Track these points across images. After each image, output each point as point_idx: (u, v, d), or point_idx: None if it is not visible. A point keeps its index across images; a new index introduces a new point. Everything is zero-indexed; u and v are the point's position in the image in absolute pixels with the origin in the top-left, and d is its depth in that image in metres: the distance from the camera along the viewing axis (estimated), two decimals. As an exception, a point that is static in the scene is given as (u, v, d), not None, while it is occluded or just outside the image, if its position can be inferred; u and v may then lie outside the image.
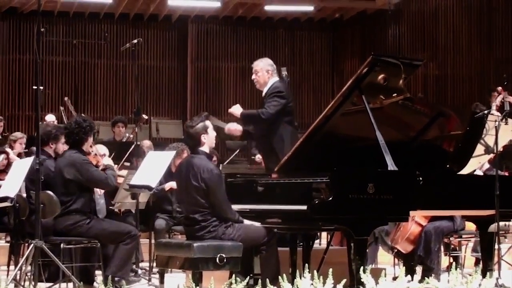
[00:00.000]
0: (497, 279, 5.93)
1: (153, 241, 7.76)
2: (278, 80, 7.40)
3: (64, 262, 6.50)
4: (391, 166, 5.86)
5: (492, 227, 6.54)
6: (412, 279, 5.29)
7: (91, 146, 7.15)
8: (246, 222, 6.21)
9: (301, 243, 6.73)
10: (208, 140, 6.32)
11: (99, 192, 7.43)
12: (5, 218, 7.87)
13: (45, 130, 7.38)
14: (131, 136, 11.23)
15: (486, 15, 15.42)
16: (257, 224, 6.23)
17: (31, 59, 15.48)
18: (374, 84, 6.17)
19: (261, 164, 9.41)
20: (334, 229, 6.70)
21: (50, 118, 12.33)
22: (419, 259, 7.51)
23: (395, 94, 6.35)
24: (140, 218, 7.78)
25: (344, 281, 5.14)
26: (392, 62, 6.20)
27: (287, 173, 6.45)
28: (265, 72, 7.38)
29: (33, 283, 6.05)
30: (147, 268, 7.82)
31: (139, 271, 7.90)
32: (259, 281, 5.45)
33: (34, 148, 7.11)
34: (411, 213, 5.96)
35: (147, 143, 10.41)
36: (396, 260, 8.10)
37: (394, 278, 6.64)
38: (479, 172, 7.91)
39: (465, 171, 6.40)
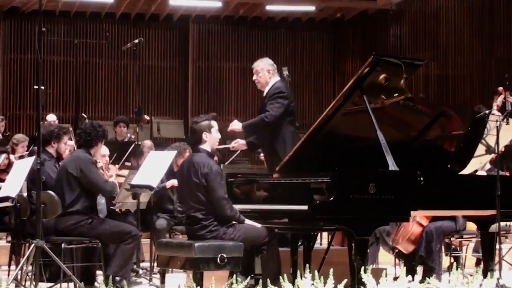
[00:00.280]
0: (498, 279, 5.92)
1: (153, 241, 7.76)
2: (279, 80, 7.38)
3: (65, 262, 6.49)
4: (392, 166, 5.86)
5: (493, 227, 6.54)
6: (413, 279, 5.29)
7: (99, 162, 7.16)
8: (247, 221, 6.21)
9: (302, 243, 6.73)
10: (210, 139, 6.32)
11: None
12: (6, 218, 7.87)
13: (47, 130, 7.39)
14: (133, 136, 11.23)
15: (487, 15, 15.42)
16: (258, 224, 6.23)
17: (33, 59, 15.48)
18: (375, 84, 6.17)
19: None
20: (335, 229, 6.70)
21: (51, 117, 12.32)
22: (420, 259, 7.50)
23: (396, 94, 6.35)
24: (141, 218, 7.78)
25: (345, 281, 5.14)
26: (394, 62, 6.20)
27: (288, 173, 6.44)
28: (266, 72, 7.36)
29: (34, 283, 6.05)
30: (148, 268, 7.82)
31: (140, 271, 7.90)
32: (260, 281, 5.45)
33: (36, 148, 7.11)
34: (412, 213, 5.96)
35: (148, 143, 10.40)
36: (397, 260, 8.09)
37: (395, 278, 6.63)
38: (482, 173, 7.91)
39: (466, 171, 6.40)
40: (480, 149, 6.51)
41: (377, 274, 5.32)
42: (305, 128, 7.06)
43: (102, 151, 8.15)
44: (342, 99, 6.21)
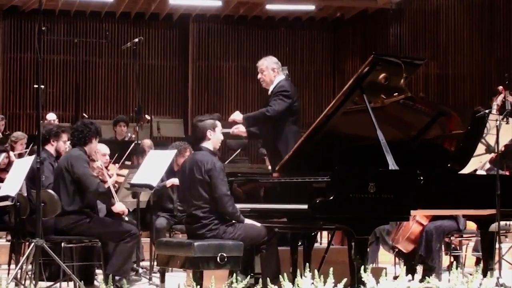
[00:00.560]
0: (498, 278, 5.92)
1: (153, 240, 7.76)
2: (284, 78, 7.35)
3: (64, 261, 6.49)
4: (392, 165, 5.86)
5: (493, 227, 6.54)
6: (413, 279, 5.29)
7: (95, 153, 7.13)
8: (247, 221, 6.21)
9: (302, 242, 6.73)
10: (214, 138, 6.33)
11: None
12: (6, 217, 7.87)
13: (46, 128, 7.40)
14: (133, 135, 11.23)
15: (487, 14, 15.42)
16: (258, 223, 6.24)
17: (32, 58, 15.48)
18: (375, 83, 6.16)
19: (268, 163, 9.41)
20: (335, 229, 6.70)
21: (51, 116, 12.33)
22: (420, 258, 7.51)
23: (396, 93, 6.35)
24: (141, 217, 7.78)
25: (344, 280, 5.14)
26: (393, 61, 6.20)
27: (288, 172, 6.45)
28: (270, 71, 7.33)
29: (33, 282, 6.05)
30: (148, 267, 7.82)
31: (140, 270, 7.90)
32: (260, 280, 5.46)
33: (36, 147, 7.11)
34: (412, 212, 5.96)
35: (147, 142, 10.40)
36: (397, 260, 8.10)
37: (395, 278, 6.64)
38: (482, 172, 7.91)
39: (466, 170, 6.40)
40: (480, 148, 6.51)
41: (377, 273, 5.31)
42: (305, 127, 7.04)
43: (103, 150, 8.15)
44: (342, 98, 6.21)
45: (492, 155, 6.74)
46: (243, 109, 7.46)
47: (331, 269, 5.08)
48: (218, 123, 6.39)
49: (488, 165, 8.17)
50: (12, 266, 7.50)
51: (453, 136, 6.56)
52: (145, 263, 8.24)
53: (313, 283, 5.01)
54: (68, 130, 7.63)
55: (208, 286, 4.88)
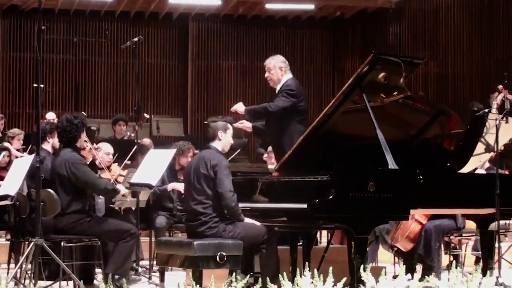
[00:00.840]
0: (497, 277, 5.93)
1: (153, 239, 7.76)
2: (291, 77, 7.32)
3: (64, 260, 6.49)
4: (392, 164, 5.86)
5: (493, 226, 6.54)
6: (412, 278, 5.29)
7: (85, 141, 7.12)
8: (247, 220, 6.21)
9: (302, 242, 6.73)
10: (224, 140, 6.38)
11: None
12: (6, 216, 7.87)
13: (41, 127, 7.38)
14: (132, 134, 11.23)
15: (487, 14, 15.41)
16: (257, 222, 6.24)
17: (32, 57, 15.48)
18: (374, 82, 6.16)
19: (266, 163, 9.41)
20: (335, 228, 6.70)
21: (51, 116, 12.31)
22: (419, 257, 7.51)
23: (396, 93, 6.35)
24: (141, 216, 7.78)
25: (344, 279, 5.14)
26: (393, 61, 6.20)
27: (288, 171, 6.45)
28: (278, 70, 7.31)
29: (33, 281, 6.04)
30: (148, 267, 7.82)
31: (140, 270, 7.90)
32: (259, 279, 5.46)
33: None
34: (412, 211, 5.96)
35: (147, 141, 10.40)
36: (396, 259, 8.10)
37: (394, 277, 6.64)
38: (482, 171, 7.91)
39: (465, 169, 6.40)
40: (480, 147, 6.51)
41: (377, 272, 5.31)
42: (305, 126, 7.04)
43: (106, 149, 8.14)
44: (342, 97, 6.20)
45: (492, 154, 6.74)
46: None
47: (331, 268, 5.08)
48: (230, 127, 6.45)
49: (487, 164, 8.18)
50: (12, 265, 7.50)
51: (452, 135, 6.56)
52: (145, 262, 8.24)
53: (312, 282, 5.01)
54: None
55: (207, 285, 4.88)
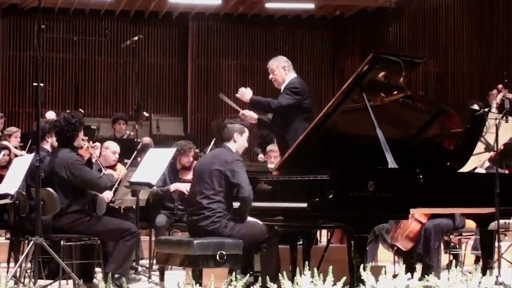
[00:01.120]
0: (497, 277, 5.93)
1: (153, 238, 7.76)
2: (295, 76, 7.32)
3: (64, 259, 6.49)
4: (392, 164, 5.86)
5: (492, 225, 6.54)
6: (412, 277, 5.29)
7: (83, 140, 7.12)
8: (249, 219, 6.22)
9: (301, 241, 6.73)
10: (239, 142, 6.43)
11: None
12: (5, 215, 7.87)
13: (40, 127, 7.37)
14: (132, 133, 11.23)
15: (487, 13, 15.41)
16: (259, 221, 6.24)
17: (32, 56, 15.47)
18: (374, 81, 6.16)
19: (266, 162, 9.40)
20: (335, 227, 6.70)
21: (51, 115, 12.31)
22: (418, 256, 7.51)
23: (396, 92, 6.35)
24: (141, 215, 7.78)
25: (344, 278, 5.14)
26: (393, 60, 6.20)
27: (288, 170, 6.45)
28: (281, 70, 7.32)
29: (33, 280, 6.05)
30: (147, 266, 7.82)
31: (139, 269, 7.90)
32: (259, 278, 5.46)
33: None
34: (411, 210, 5.96)
35: (146, 140, 10.40)
36: (396, 258, 8.10)
37: (394, 276, 6.63)
38: (482, 171, 7.91)
39: (465, 169, 6.40)
40: (479, 147, 6.51)
41: (376, 271, 5.31)
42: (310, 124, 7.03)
43: (113, 148, 8.12)
44: (342, 97, 6.20)
45: (492, 153, 6.74)
46: (242, 107, 7.44)
47: (331, 267, 5.08)
48: (246, 130, 6.48)
49: (487, 164, 8.18)
50: (12, 264, 7.51)
51: (452, 134, 6.56)
52: (145, 261, 8.24)
53: (312, 281, 5.01)
54: None
55: (207, 285, 4.88)
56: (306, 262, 5.41)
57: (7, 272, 7.32)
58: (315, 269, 5.19)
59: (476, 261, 8.09)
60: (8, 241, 8.18)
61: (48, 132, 7.41)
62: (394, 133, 6.30)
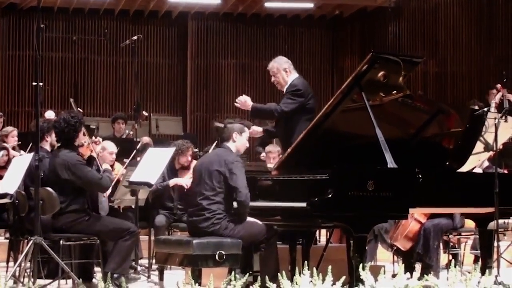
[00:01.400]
0: (496, 276, 5.93)
1: (152, 237, 7.76)
2: (297, 77, 7.27)
3: (63, 258, 6.49)
4: (391, 163, 5.86)
5: (491, 225, 6.54)
6: (411, 277, 5.29)
7: (84, 135, 7.11)
8: (249, 219, 6.22)
9: (301, 240, 6.73)
10: (238, 142, 6.42)
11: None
12: (5, 215, 7.87)
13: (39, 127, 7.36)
14: (131, 132, 11.23)
15: (486, 13, 15.41)
16: (259, 221, 6.24)
17: (31, 55, 15.45)
18: (374, 81, 6.16)
19: (265, 162, 9.40)
20: (334, 226, 6.70)
21: (50, 114, 12.30)
22: (417, 256, 7.51)
23: (395, 91, 6.35)
24: (140, 215, 7.78)
25: (343, 278, 5.14)
26: (392, 59, 6.20)
27: (287, 170, 6.44)
28: (282, 72, 7.26)
29: (32, 279, 6.05)
30: (147, 265, 7.82)
31: (139, 268, 7.90)
32: (258, 278, 5.46)
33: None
34: (411, 210, 5.96)
35: (146, 139, 10.40)
36: (395, 258, 8.10)
37: (393, 276, 6.64)
38: (479, 170, 7.91)
39: (464, 168, 6.40)
40: (479, 146, 6.51)
41: (376, 271, 5.31)
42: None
43: (111, 149, 8.12)
44: (341, 96, 6.20)
45: (491, 153, 6.74)
46: (242, 115, 7.46)
47: (330, 267, 5.08)
48: (247, 130, 6.48)
49: (486, 163, 8.18)
50: (11, 263, 7.51)
51: (451, 134, 6.56)
52: (144, 261, 8.24)
53: (311, 281, 5.01)
54: None
55: (206, 284, 4.88)
56: (305, 262, 5.41)
57: (7, 271, 7.32)
58: (314, 269, 5.19)
59: (475, 260, 8.09)
60: (8, 240, 8.18)
61: (47, 132, 7.40)
62: (393, 133, 6.30)
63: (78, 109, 12.38)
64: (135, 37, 10.15)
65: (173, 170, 8.62)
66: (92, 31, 16.08)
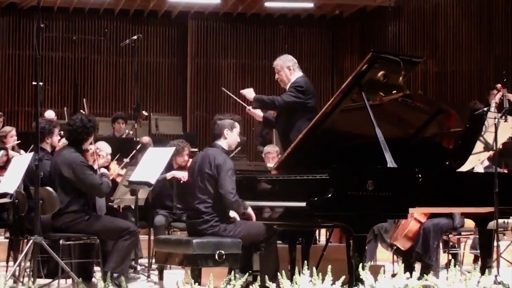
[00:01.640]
0: (496, 276, 5.93)
1: (152, 237, 7.76)
2: (301, 75, 7.29)
3: (63, 258, 6.49)
4: (391, 163, 5.86)
5: (491, 224, 6.54)
6: (411, 276, 5.29)
7: (91, 143, 7.13)
8: (250, 211, 6.21)
9: (300, 240, 6.73)
10: (230, 138, 6.39)
11: None
12: (4, 214, 7.87)
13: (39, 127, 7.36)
14: (131, 132, 11.23)
15: (486, 12, 15.41)
16: (258, 221, 6.24)
17: (31, 55, 15.46)
18: (373, 81, 6.17)
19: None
20: (333, 226, 6.70)
21: (50, 114, 12.31)
22: (417, 256, 7.51)
23: (395, 91, 6.35)
24: (140, 214, 7.78)
25: (343, 278, 5.14)
26: (392, 59, 6.20)
27: (287, 169, 6.45)
28: (286, 69, 7.28)
29: (32, 279, 6.05)
30: (146, 265, 7.82)
31: (138, 268, 7.90)
32: (258, 277, 5.46)
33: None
34: (410, 210, 5.96)
35: (146, 139, 10.40)
36: (395, 257, 8.10)
37: (393, 275, 6.64)
38: (481, 169, 7.91)
39: (464, 168, 6.40)
40: (478, 146, 6.51)
41: (375, 271, 5.31)
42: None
43: (105, 150, 8.12)
44: (341, 96, 6.21)
45: (491, 153, 6.74)
46: (241, 106, 7.46)
47: (330, 266, 5.08)
48: (237, 125, 6.45)
49: (486, 163, 8.18)
50: (11, 263, 7.50)
51: (451, 133, 6.56)
52: (144, 261, 8.24)
53: (311, 280, 5.01)
54: (58, 125, 7.63)
55: (206, 284, 4.88)
56: (305, 261, 5.41)
57: (6, 271, 7.31)
58: (314, 268, 5.19)
59: (475, 260, 8.10)
60: (7, 240, 8.17)
61: (48, 133, 7.39)
62: (393, 132, 6.30)
63: (81, 111, 12.40)
64: (135, 37, 10.16)
65: (170, 169, 8.61)
66: (92, 31, 16.09)
